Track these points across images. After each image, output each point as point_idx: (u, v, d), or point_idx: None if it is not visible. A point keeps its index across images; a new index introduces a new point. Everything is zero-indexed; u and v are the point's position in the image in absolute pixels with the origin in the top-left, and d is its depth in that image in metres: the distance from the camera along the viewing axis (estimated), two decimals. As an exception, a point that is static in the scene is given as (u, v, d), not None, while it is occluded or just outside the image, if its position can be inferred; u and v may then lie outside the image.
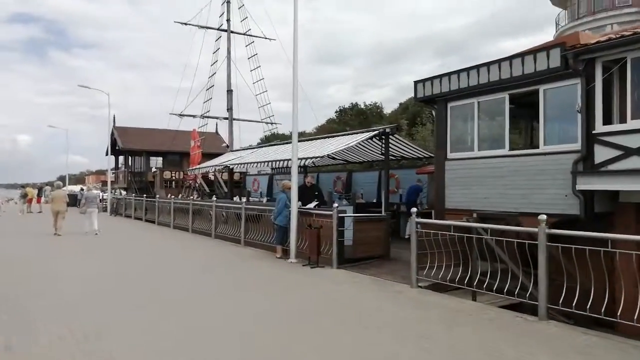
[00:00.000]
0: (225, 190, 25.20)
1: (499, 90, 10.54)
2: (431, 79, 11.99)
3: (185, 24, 24.08)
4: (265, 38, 25.38)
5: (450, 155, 11.70)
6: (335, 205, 9.48)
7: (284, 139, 26.80)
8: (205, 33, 24.88)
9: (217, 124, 35.70)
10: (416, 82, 12.35)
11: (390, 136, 13.48)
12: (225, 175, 27.51)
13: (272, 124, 24.69)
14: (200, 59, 54.60)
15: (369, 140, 14.01)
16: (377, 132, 13.35)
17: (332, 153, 13.04)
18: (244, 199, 22.22)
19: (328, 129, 48.79)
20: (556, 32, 38.09)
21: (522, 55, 10.04)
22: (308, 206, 10.97)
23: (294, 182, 10.51)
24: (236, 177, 27.27)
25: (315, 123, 48.22)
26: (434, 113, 12.49)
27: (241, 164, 16.18)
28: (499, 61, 10.45)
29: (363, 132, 14.16)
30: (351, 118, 56.67)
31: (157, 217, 21.03)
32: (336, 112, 62.09)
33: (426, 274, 7.50)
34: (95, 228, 15.75)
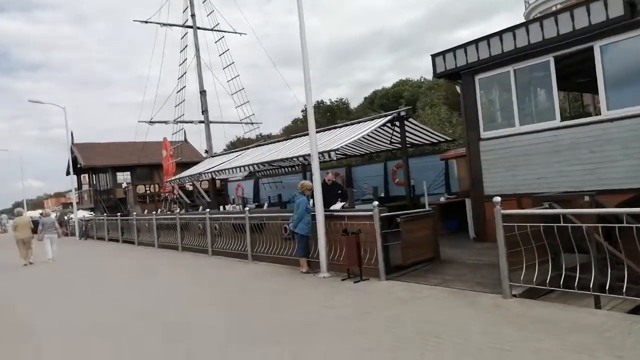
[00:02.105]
0: (208, 199, 23.10)
1: (542, 53, 9.10)
2: (453, 49, 10.47)
3: (146, 22, 21.79)
4: (235, 32, 23.38)
5: (484, 134, 10.23)
6: (375, 203, 7.80)
7: (248, 143, 24.71)
8: (167, 33, 22.72)
9: (185, 132, 33.09)
10: (434, 56, 10.82)
11: (406, 121, 11.93)
12: (205, 184, 25.45)
13: (252, 124, 22.65)
14: (163, 62, 51.50)
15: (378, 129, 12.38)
16: (391, 116, 11.74)
17: (344, 145, 11.33)
18: (230, 207, 20.28)
19: (295, 129, 47.12)
20: (525, 9, 37.65)
21: (570, 9, 8.64)
22: (333, 208, 9.26)
23: (317, 180, 8.78)
24: (205, 185, 25.23)
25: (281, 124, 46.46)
26: (458, 89, 10.97)
27: (237, 167, 14.18)
28: (539, 19, 9.04)
29: (373, 119, 12.54)
30: (318, 115, 55.55)
31: (136, 237, 18.79)
32: (302, 110, 60.86)
33: (515, 278, 5.96)
34: (51, 256, 14.99)
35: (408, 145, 14.35)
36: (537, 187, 9.19)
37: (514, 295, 5.90)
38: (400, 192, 15.11)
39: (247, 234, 11.39)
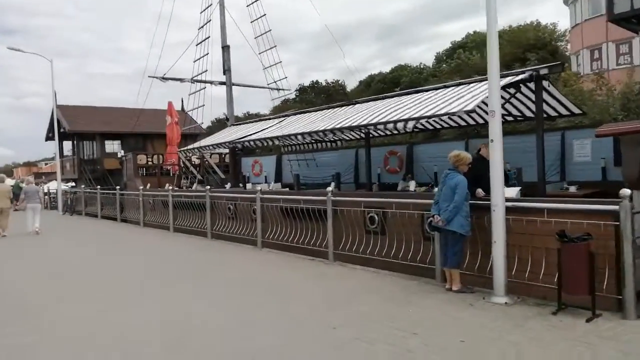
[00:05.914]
0: (222, 175, 19.73)
1: None
2: (648, -21, 7.41)
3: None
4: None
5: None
6: (627, 192, 4.74)
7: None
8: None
9: (182, 100, 28.78)
10: (612, -11, 7.73)
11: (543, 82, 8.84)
12: (216, 158, 22.02)
13: (278, 90, 19.18)
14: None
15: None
16: (526, 75, 8.55)
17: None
18: (250, 186, 16.99)
19: (286, 108, 43.77)
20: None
21: None
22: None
23: (498, 148, 5.65)
24: (215, 159, 21.92)
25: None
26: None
27: (299, 134, 10.84)
28: None
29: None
30: (313, 96, 52.51)
31: (142, 217, 15.35)
32: (296, 90, 57.53)
33: None
34: (37, 226, 13.88)
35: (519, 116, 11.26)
36: None
37: None
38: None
39: (329, 225, 8.21)
